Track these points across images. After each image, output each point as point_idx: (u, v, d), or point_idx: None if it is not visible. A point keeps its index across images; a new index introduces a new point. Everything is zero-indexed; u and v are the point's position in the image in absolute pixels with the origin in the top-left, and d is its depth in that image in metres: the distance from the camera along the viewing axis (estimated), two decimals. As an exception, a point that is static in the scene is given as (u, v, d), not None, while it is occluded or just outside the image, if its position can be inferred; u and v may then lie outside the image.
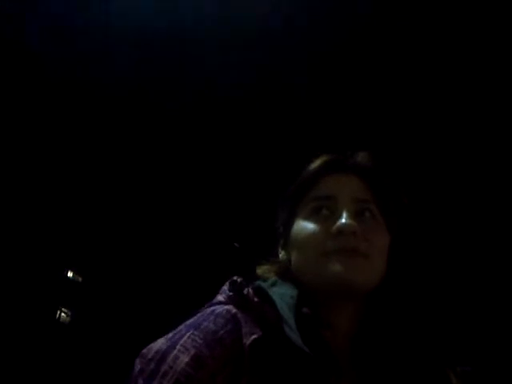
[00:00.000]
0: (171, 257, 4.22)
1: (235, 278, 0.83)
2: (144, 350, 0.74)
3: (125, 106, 3.54)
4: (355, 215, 0.86)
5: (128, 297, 4.13)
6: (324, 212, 0.87)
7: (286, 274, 0.87)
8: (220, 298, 0.82)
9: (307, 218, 0.88)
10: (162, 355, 0.72)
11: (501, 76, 3.06)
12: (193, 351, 0.72)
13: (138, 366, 0.72)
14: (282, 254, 0.93)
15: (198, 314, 0.79)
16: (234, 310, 0.77)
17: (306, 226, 0.87)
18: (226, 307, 0.78)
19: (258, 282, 0.84)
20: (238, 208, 3.92)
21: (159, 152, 3.95)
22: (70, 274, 3.86)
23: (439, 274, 3.43)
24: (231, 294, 0.81)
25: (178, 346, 0.72)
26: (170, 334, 0.76)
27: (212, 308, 0.79)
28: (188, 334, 0.74)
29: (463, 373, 0.87)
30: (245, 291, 0.81)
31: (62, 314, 3.84)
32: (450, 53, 3.04)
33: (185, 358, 0.71)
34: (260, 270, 0.90)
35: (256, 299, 0.80)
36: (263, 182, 3.61)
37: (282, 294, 0.81)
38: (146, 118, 3.63)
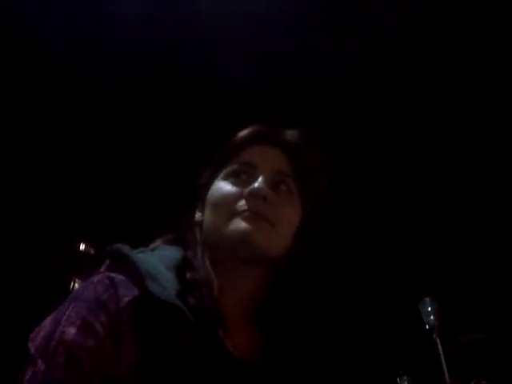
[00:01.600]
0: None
1: (108, 247, 0.83)
2: (32, 334, 0.74)
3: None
4: (271, 185, 0.88)
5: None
6: (242, 176, 0.89)
7: (177, 241, 0.90)
8: (101, 269, 0.82)
9: (225, 180, 0.90)
10: (50, 334, 0.72)
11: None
12: (78, 322, 0.72)
13: (31, 350, 0.71)
14: (197, 216, 0.93)
15: (77, 288, 0.81)
16: (112, 275, 0.78)
17: (222, 186, 0.89)
18: (105, 273, 0.79)
19: (121, 247, 0.82)
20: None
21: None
22: (82, 247, 3.90)
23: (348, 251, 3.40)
24: (108, 262, 0.82)
25: (62, 321, 0.72)
26: (54, 312, 0.75)
27: (91, 278, 0.79)
28: (71, 308, 0.74)
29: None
30: (118, 257, 0.81)
31: (76, 286, 3.89)
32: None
33: (72, 330, 0.71)
34: (161, 239, 0.92)
35: (125, 264, 0.79)
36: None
37: (161, 256, 0.84)
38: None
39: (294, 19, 2.96)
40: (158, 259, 0.82)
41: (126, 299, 0.75)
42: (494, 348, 2.26)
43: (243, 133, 0.95)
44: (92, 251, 4.02)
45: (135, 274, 0.77)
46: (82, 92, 3.64)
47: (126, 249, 0.81)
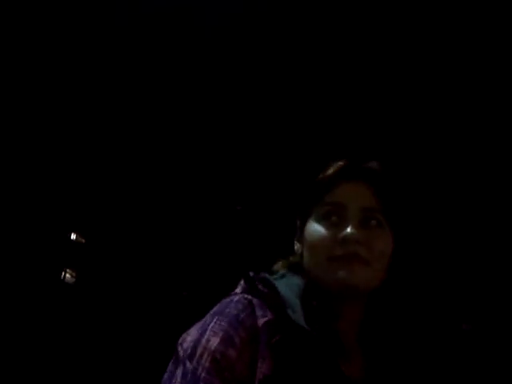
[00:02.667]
0: (173, 215, 4.33)
1: (249, 273, 0.94)
2: (180, 340, 0.86)
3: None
4: (362, 223, 0.93)
5: (130, 259, 4.29)
6: (333, 219, 0.94)
7: (296, 267, 0.98)
8: (237, 290, 0.92)
9: (318, 222, 0.96)
10: (197, 340, 0.83)
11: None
12: (221, 333, 0.83)
13: (179, 353, 0.84)
14: (297, 246, 1.01)
15: (219, 304, 0.89)
16: (249, 297, 0.87)
17: (316, 229, 0.95)
18: (242, 295, 0.88)
19: (265, 275, 0.95)
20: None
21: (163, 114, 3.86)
22: (73, 237, 3.94)
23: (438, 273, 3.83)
24: (245, 285, 0.92)
25: (207, 332, 0.83)
26: (199, 324, 0.87)
27: (231, 297, 0.89)
28: (214, 320, 0.84)
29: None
30: (260, 287, 0.91)
31: (67, 275, 3.99)
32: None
33: (216, 340, 0.82)
34: (276, 266, 1.02)
35: (265, 289, 0.90)
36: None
37: (290, 284, 0.94)
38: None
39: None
40: (288, 287, 0.92)
41: (262, 320, 0.85)
42: None
43: (330, 171, 0.99)
44: (83, 241, 4.07)
45: (275, 299, 0.88)
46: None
47: (269, 277, 0.94)
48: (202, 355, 0.81)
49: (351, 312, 0.94)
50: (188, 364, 0.82)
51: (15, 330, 3.87)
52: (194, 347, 0.83)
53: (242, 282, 0.93)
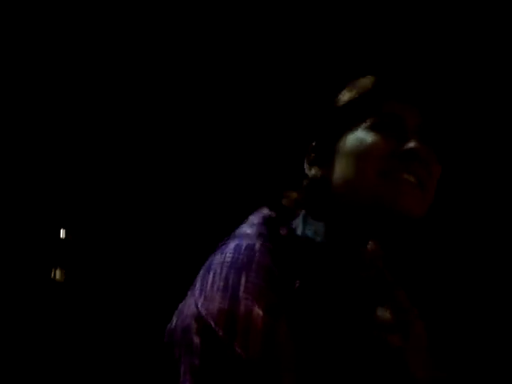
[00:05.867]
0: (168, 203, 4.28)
1: (268, 212, 0.78)
2: (203, 314, 0.63)
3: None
4: (423, 141, 0.80)
5: (122, 258, 4.25)
6: (388, 130, 0.80)
7: (315, 204, 0.80)
8: (249, 231, 0.74)
9: (369, 131, 0.80)
10: (231, 313, 0.62)
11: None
12: (262, 299, 0.63)
13: (205, 336, 0.61)
14: (315, 171, 0.85)
15: (230, 250, 0.69)
16: (272, 248, 0.70)
17: (368, 137, 0.79)
18: (263, 243, 0.71)
19: (297, 224, 0.78)
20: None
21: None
22: (62, 234, 3.89)
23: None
24: (264, 231, 0.74)
25: (241, 297, 0.63)
26: (219, 283, 0.64)
27: (245, 243, 0.70)
28: (244, 278, 0.64)
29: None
30: (281, 231, 0.76)
31: (57, 273, 3.93)
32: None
33: (258, 310, 0.62)
34: (286, 201, 0.84)
35: (293, 243, 0.74)
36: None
37: (316, 229, 0.77)
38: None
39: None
40: (315, 232, 0.78)
41: (297, 281, 0.70)
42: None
43: (383, 82, 0.84)
44: (72, 238, 4.02)
45: (308, 259, 0.75)
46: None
47: (300, 227, 0.79)
48: (246, 333, 0.60)
49: (376, 248, 0.81)
50: (234, 346, 0.59)
51: (4, 330, 3.81)
52: (232, 323, 0.60)
53: (255, 222, 0.74)
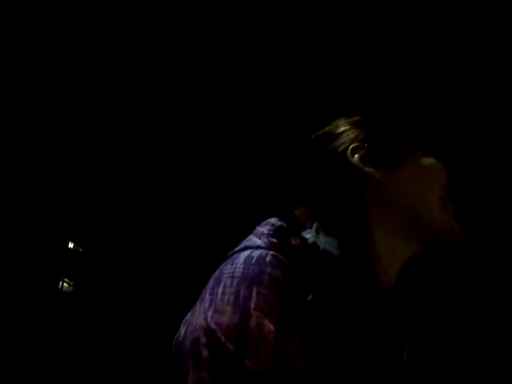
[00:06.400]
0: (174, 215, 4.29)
1: (277, 221, 0.74)
2: (212, 327, 0.61)
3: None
4: None
5: (128, 268, 4.26)
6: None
7: (330, 221, 0.77)
8: (259, 242, 0.70)
9: (433, 158, 0.86)
10: (242, 327, 0.60)
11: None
12: (273, 314, 0.61)
13: (214, 350, 0.59)
14: (381, 173, 0.82)
15: (240, 262, 0.66)
16: (284, 259, 0.66)
17: (435, 162, 0.85)
18: (274, 253, 0.67)
19: (309, 236, 0.73)
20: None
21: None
22: (70, 245, 3.90)
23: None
24: (275, 240, 0.70)
25: (252, 311, 0.60)
26: (230, 296, 0.62)
27: (256, 254, 0.67)
28: (255, 292, 0.62)
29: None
30: (292, 241, 0.71)
31: (65, 284, 3.95)
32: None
33: (269, 325, 0.60)
34: (299, 212, 0.79)
35: (305, 254, 0.70)
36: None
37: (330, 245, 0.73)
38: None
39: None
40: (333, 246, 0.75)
41: (309, 295, 0.66)
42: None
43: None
44: (80, 250, 4.04)
45: (322, 271, 0.72)
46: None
47: (312, 238, 0.75)
48: (257, 348, 0.58)
49: (404, 256, 0.82)
50: (245, 360, 0.57)
51: (12, 339, 3.82)
52: (242, 338, 0.58)
53: (265, 232, 0.70)
